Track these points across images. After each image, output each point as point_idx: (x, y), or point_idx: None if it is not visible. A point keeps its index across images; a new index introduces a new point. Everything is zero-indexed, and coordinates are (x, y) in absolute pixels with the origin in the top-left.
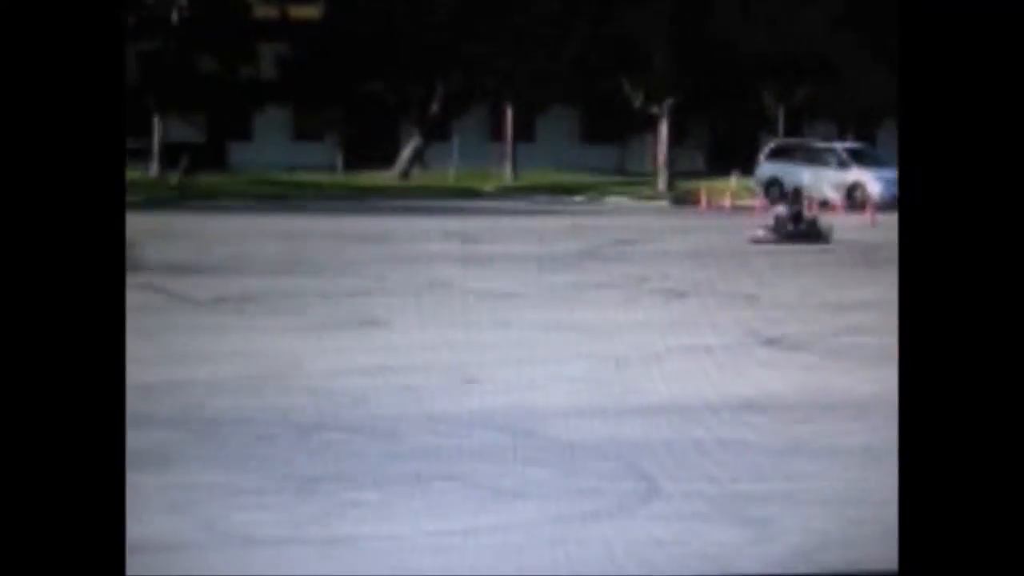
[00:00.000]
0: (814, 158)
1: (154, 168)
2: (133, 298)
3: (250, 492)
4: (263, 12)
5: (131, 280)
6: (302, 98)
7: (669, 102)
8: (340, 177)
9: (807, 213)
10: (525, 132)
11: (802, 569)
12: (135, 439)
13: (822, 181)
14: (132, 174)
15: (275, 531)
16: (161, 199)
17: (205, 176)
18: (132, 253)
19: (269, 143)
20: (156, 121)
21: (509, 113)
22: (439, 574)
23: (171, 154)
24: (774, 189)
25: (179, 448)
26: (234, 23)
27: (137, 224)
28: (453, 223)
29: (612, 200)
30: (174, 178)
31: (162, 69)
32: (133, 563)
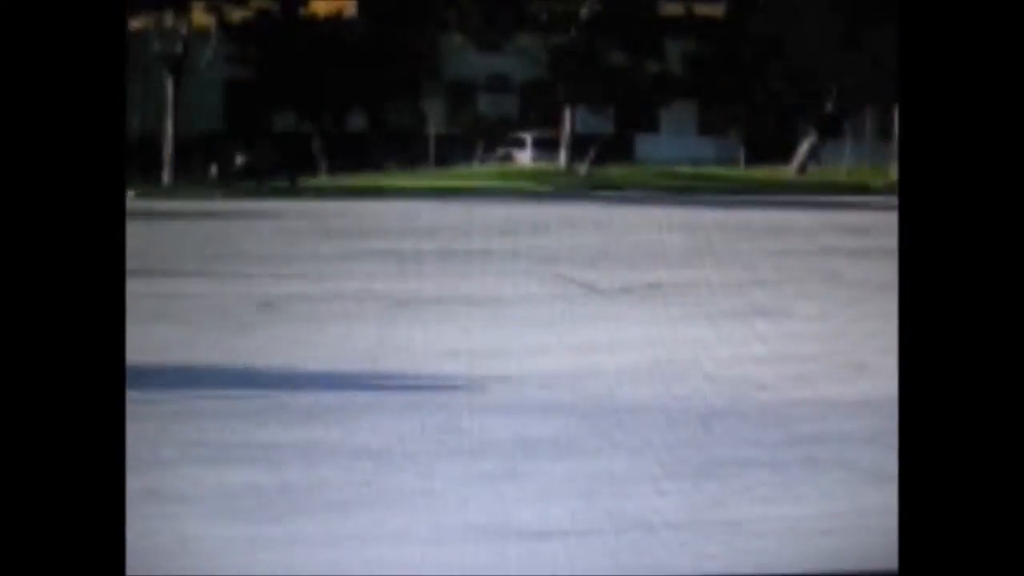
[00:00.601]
0: None
1: (563, 158)
2: (543, 288)
3: (650, 479)
4: (670, 9)
5: (544, 270)
6: (708, 94)
7: None
8: (742, 171)
9: None
10: None
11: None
12: (538, 428)
13: None
14: (541, 165)
15: (673, 516)
16: (569, 189)
17: (613, 167)
18: None
19: (675, 136)
20: (566, 112)
21: (897, 112)
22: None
23: (580, 145)
24: None
25: (583, 436)
26: (641, 19)
27: (543, 214)
28: (845, 217)
29: None
30: (583, 168)
31: (572, 62)
32: (526, 549)
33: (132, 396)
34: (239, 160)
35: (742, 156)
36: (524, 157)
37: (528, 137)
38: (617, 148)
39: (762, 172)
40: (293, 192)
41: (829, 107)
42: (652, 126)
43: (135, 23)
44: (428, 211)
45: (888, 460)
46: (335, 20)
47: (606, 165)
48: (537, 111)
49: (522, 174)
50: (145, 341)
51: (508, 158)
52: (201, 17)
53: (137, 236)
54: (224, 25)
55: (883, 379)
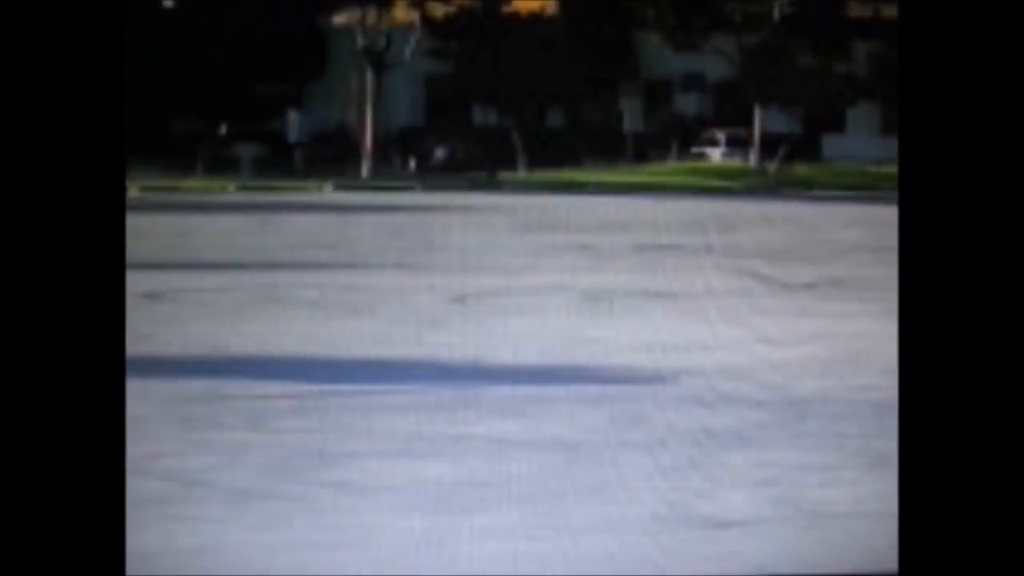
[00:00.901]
0: None
1: (753, 157)
2: (731, 282)
3: (825, 469)
4: (857, 11)
5: (732, 264)
6: (891, 94)
7: None
8: None
9: None
10: None
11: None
12: (722, 420)
13: None
14: (732, 163)
15: (842, 507)
16: (759, 187)
17: (800, 166)
18: None
19: (860, 136)
20: (756, 112)
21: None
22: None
23: (769, 144)
24: None
25: (763, 427)
26: (830, 20)
27: (734, 210)
28: None
29: None
30: (772, 167)
31: (764, 62)
32: (708, 539)
33: (324, 389)
34: (438, 154)
35: None
36: (716, 155)
37: (721, 135)
38: (805, 147)
39: None
40: (491, 186)
41: None
42: (838, 126)
43: (338, 19)
44: (623, 207)
45: None
46: (536, 17)
47: (794, 164)
48: (729, 110)
49: (714, 171)
50: (338, 334)
51: (702, 156)
52: (403, 13)
53: (334, 228)
54: (426, 20)
55: None
